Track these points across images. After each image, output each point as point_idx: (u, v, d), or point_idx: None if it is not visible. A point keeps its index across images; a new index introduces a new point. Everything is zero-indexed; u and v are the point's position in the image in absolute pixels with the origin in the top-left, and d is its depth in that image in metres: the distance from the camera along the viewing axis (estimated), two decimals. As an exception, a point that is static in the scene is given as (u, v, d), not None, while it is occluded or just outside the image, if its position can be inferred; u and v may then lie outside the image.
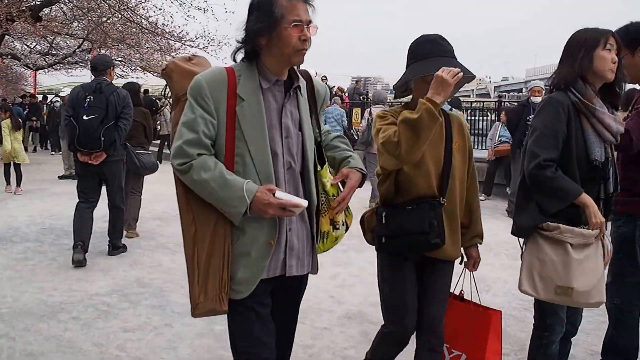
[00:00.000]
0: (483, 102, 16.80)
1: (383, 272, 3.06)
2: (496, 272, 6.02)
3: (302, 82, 2.52)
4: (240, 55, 2.45)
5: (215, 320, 4.52)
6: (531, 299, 5.02)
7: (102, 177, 6.44)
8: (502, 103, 13.11)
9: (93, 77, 6.55)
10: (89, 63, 22.33)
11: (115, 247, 6.63)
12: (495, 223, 8.69)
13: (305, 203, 2.29)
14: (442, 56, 2.73)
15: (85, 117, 6.07)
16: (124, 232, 7.05)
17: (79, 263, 6.06)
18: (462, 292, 3.25)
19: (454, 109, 11.97)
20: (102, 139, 6.10)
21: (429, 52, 2.76)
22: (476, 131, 14.68)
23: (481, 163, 11.64)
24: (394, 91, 3.08)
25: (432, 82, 2.56)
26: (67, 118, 6.24)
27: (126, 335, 4.26)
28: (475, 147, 13.08)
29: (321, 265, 6.01)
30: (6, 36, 18.55)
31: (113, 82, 6.53)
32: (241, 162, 2.32)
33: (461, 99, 14.95)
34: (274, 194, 2.24)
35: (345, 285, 5.53)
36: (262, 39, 2.34)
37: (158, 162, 7.83)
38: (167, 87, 2.63)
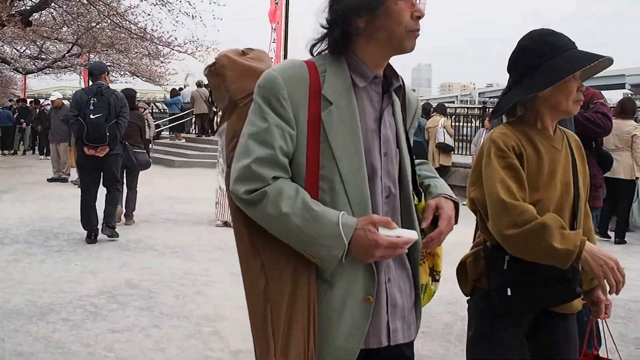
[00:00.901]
0: (467, 108, 16.90)
1: (485, 332, 2.28)
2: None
3: (403, 83, 1.90)
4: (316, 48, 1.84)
5: (202, 321, 4.53)
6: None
7: (100, 168, 7.23)
8: (487, 109, 13.18)
9: (91, 82, 7.38)
10: (78, 67, 22.47)
11: (109, 226, 7.30)
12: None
13: (415, 236, 1.68)
14: (573, 47, 2.13)
15: (92, 116, 6.96)
16: (124, 220, 8.27)
17: (93, 242, 7.15)
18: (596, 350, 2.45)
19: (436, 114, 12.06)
20: (107, 134, 6.99)
21: (563, 44, 2.12)
22: (460, 137, 14.78)
23: (466, 169, 11.73)
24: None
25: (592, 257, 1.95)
26: (74, 118, 7.11)
27: (114, 336, 4.24)
28: (460, 152, 13.18)
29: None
30: (-4, 41, 18.46)
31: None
32: (328, 188, 1.69)
33: (446, 105, 15.01)
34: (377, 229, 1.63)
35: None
36: (361, 19, 1.75)
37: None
38: (212, 90, 1.98)
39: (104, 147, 7.03)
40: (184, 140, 20.17)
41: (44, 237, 7.38)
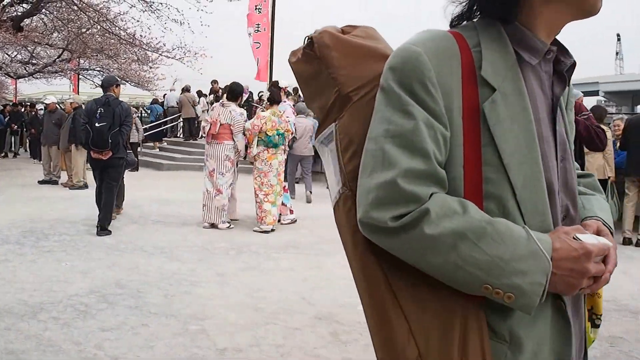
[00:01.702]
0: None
1: None
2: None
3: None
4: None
5: (189, 320, 4.55)
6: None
7: (102, 171, 7.96)
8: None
9: (103, 94, 8.13)
10: (68, 72, 22.35)
11: (103, 229, 7.75)
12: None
13: (610, 243, 1.19)
14: None
15: (97, 125, 7.71)
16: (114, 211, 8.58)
17: (102, 232, 7.74)
18: None
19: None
20: (110, 141, 7.71)
21: None
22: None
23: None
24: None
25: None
26: (83, 125, 7.96)
27: (104, 334, 4.25)
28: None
29: (293, 268, 6.12)
30: (-13, 46, 18.32)
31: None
32: (497, 209, 1.16)
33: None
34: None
35: (316, 287, 5.57)
36: None
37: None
38: (304, 82, 1.42)
39: (107, 151, 7.78)
40: (157, 149, 19.96)
41: (34, 237, 7.36)
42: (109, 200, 7.94)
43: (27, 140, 21.72)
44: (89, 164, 9.58)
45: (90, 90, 28.26)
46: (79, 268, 6.04)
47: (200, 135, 19.31)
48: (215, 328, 4.39)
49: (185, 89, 20.78)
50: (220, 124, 8.27)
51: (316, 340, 4.22)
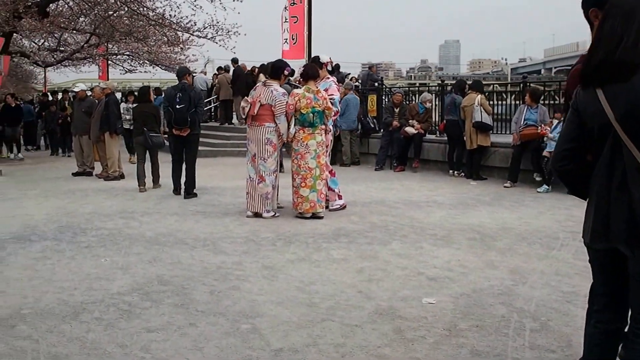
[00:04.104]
0: (507, 84, 16.49)
1: None
2: (531, 263, 5.90)
3: None
4: None
5: (239, 318, 4.46)
6: (574, 290, 4.96)
7: (183, 145, 10.02)
8: (527, 84, 12.83)
9: (178, 82, 10.24)
10: (97, 58, 22.56)
11: (189, 194, 9.88)
12: (525, 211, 8.56)
13: None
14: None
15: (177, 107, 9.72)
16: (152, 186, 10.96)
17: (188, 196, 9.88)
18: None
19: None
20: (189, 119, 9.71)
21: None
22: (495, 116, 14.48)
23: (505, 148, 11.50)
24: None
25: None
26: (166, 108, 9.96)
27: (150, 335, 4.19)
28: (497, 132, 12.93)
29: (345, 259, 6.00)
30: (14, 34, 18.53)
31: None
32: None
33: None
34: None
35: (372, 279, 5.42)
36: None
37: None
38: None
39: (186, 128, 9.76)
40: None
41: (71, 233, 7.39)
42: (191, 171, 9.92)
43: (44, 133, 21.72)
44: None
45: (120, 76, 28.60)
46: (119, 264, 6.02)
47: (239, 118, 19.31)
48: (268, 327, 4.29)
49: (225, 69, 20.74)
50: (261, 105, 8.13)
51: (378, 338, 4.08)
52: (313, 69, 8.38)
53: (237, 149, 16.63)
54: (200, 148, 17.22)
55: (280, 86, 8.35)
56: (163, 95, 11.17)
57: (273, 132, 8.15)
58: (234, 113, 20.08)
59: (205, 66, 29.90)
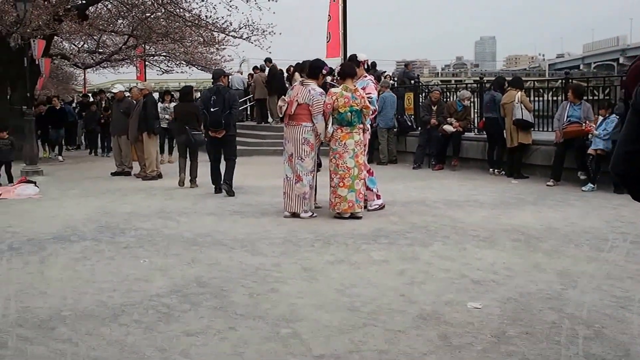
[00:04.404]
0: (548, 80, 16.17)
1: None
2: (580, 266, 5.67)
3: None
4: None
5: (279, 322, 4.35)
6: (627, 295, 4.74)
7: (221, 146, 10.25)
8: (569, 80, 12.49)
9: (212, 84, 10.87)
10: (135, 59, 22.76)
11: (228, 192, 10.01)
12: (571, 211, 8.30)
13: None
14: None
15: (212, 109, 9.94)
16: (184, 185, 11.16)
17: (228, 194, 10.02)
18: None
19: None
20: (223, 122, 9.91)
21: None
22: (536, 113, 14.15)
23: (547, 146, 11.22)
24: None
25: None
26: (202, 110, 10.30)
27: (189, 339, 4.10)
28: (539, 129, 12.62)
29: (386, 260, 5.85)
30: (55, 37, 18.79)
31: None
32: None
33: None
34: None
35: (414, 282, 5.27)
36: None
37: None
38: None
39: (221, 130, 9.96)
40: None
41: (111, 233, 7.38)
42: (231, 171, 10.15)
43: (84, 132, 21.89)
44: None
45: (157, 76, 28.82)
46: (158, 265, 5.97)
47: (275, 117, 19.27)
48: (309, 331, 4.17)
49: (260, 69, 20.75)
50: (298, 104, 8.03)
51: (423, 345, 3.92)
52: (350, 68, 8.25)
53: (273, 148, 16.59)
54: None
55: (318, 86, 8.23)
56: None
57: (310, 132, 8.04)
58: (269, 112, 20.08)
59: (240, 66, 29.96)
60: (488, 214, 8.19)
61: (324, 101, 7.95)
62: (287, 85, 17.94)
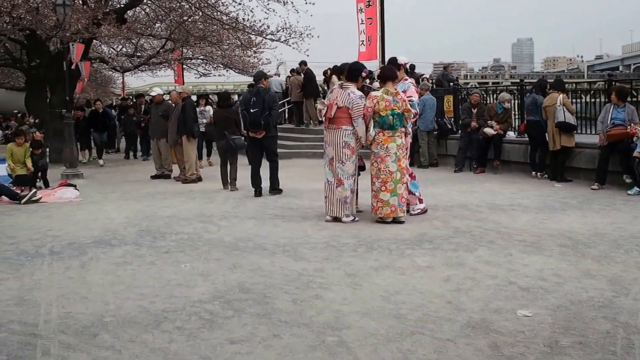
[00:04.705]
0: (591, 82, 15.84)
1: None
2: (631, 272, 5.48)
3: None
4: None
5: (325, 330, 4.27)
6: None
7: (261, 147, 10.48)
8: (613, 82, 12.18)
9: (253, 85, 11.37)
10: (172, 63, 22.93)
11: (274, 189, 10.52)
12: (618, 215, 8.05)
13: None
14: None
15: (252, 110, 10.13)
16: (229, 189, 11.26)
17: (259, 196, 10.28)
18: None
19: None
20: (262, 122, 10.09)
21: None
22: (578, 115, 13.83)
23: (591, 149, 10.95)
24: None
25: None
26: (242, 112, 10.68)
27: (234, 347, 4.04)
28: (582, 131, 12.33)
29: (431, 266, 5.73)
30: (94, 41, 19.02)
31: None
32: None
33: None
34: None
35: (461, 289, 5.14)
36: None
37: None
38: None
39: (261, 131, 10.16)
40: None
41: (151, 237, 7.38)
42: (275, 173, 10.48)
43: (122, 135, 22.01)
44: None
45: (194, 79, 29.04)
46: (199, 270, 5.94)
47: (312, 120, 19.23)
48: (355, 339, 4.08)
49: (296, 71, 20.73)
50: (338, 107, 7.95)
51: (474, 355, 3.80)
52: (391, 71, 8.14)
53: (312, 151, 16.52)
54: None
55: (358, 89, 8.13)
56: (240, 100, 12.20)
57: (351, 135, 7.94)
58: (306, 115, 20.04)
59: (277, 68, 29.99)
60: (533, 218, 8.00)
61: (364, 104, 7.85)
62: (326, 88, 17.92)
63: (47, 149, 18.11)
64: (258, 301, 4.95)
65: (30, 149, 12.07)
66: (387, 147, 7.73)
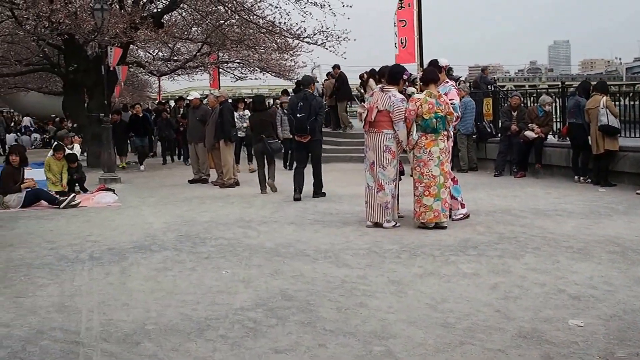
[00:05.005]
0: (635, 84, 15.47)
1: None
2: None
3: None
4: None
5: (371, 339, 4.19)
6: None
7: (307, 150, 10.59)
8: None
9: (301, 89, 11.24)
10: (208, 66, 23.06)
11: (317, 194, 10.61)
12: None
13: None
14: None
15: (298, 115, 10.29)
16: (267, 192, 11.38)
17: (298, 199, 10.31)
18: None
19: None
20: (309, 127, 10.22)
21: None
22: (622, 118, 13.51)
23: (636, 153, 10.68)
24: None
25: None
26: (289, 116, 10.82)
27: (279, 357, 3.98)
28: (625, 135, 12.04)
29: (477, 273, 5.60)
30: (131, 45, 19.22)
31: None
32: None
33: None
34: None
35: (509, 297, 5.01)
36: None
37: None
38: None
39: (306, 135, 10.29)
40: None
41: (191, 243, 7.37)
42: (318, 172, 10.63)
43: (158, 139, 22.05)
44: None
45: (231, 83, 29.15)
46: (240, 276, 5.89)
47: (346, 124, 19.15)
48: (403, 349, 3.99)
49: (331, 75, 20.65)
50: (378, 111, 7.86)
51: (528, 367, 3.69)
52: (433, 73, 8.02)
53: (350, 155, 16.43)
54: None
55: (399, 92, 8.03)
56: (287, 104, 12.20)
57: (392, 139, 7.85)
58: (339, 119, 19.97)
59: (312, 71, 29.96)
60: (578, 224, 7.81)
61: (406, 107, 7.75)
62: (362, 92, 17.80)
63: (85, 154, 18.35)
64: (302, 309, 4.88)
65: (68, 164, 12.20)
66: (430, 151, 7.62)
